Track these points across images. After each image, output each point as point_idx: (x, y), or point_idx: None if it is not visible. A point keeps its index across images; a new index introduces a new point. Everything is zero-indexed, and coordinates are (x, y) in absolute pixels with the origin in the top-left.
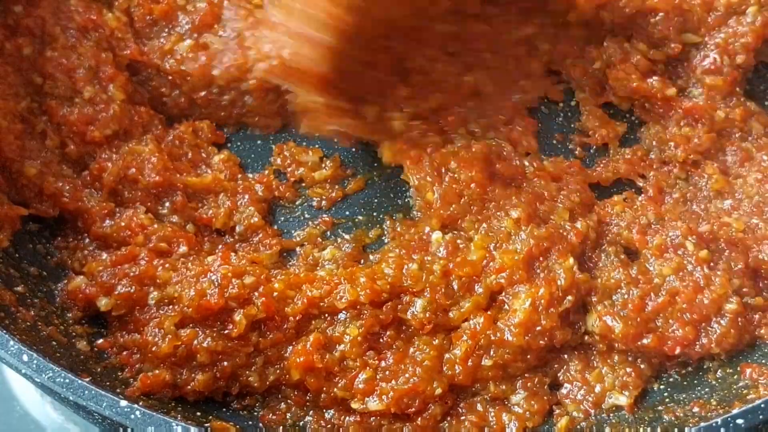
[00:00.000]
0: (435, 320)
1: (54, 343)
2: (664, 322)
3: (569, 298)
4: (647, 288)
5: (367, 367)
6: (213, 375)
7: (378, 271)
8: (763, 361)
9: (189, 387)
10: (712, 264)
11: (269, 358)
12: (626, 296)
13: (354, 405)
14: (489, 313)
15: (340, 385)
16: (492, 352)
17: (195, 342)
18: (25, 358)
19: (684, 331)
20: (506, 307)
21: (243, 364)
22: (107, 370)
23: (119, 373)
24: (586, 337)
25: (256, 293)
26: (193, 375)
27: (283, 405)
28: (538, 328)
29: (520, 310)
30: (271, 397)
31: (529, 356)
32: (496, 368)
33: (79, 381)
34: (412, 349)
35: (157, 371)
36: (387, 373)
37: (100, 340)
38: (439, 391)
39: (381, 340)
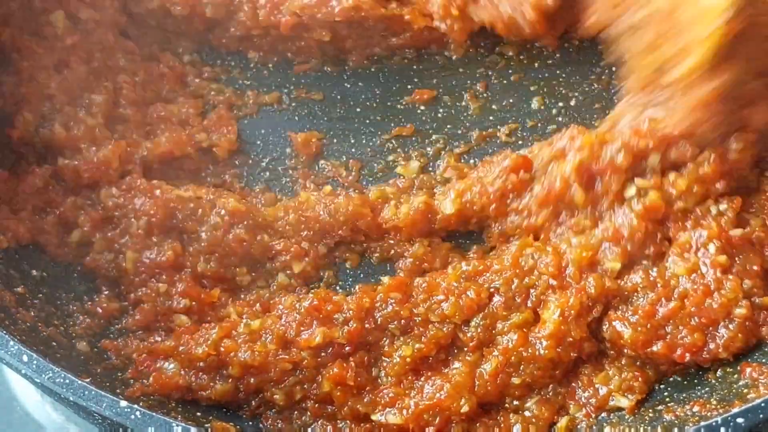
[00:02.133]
0: (481, 337)
1: (54, 343)
2: (674, 329)
3: (598, 307)
4: (660, 292)
5: (401, 385)
6: (235, 387)
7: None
8: (763, 360)
9: (204, 393)
10: (727, 268)
11: (304, 377)
12: (639, 301)
13: (374, 417)
14: (524, 330)
15: (365, 400)
16: (522, 369)
17: (231, 354)
18: (25, 358)
19: (693, 338)
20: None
21: (273, 380)
22: (107, 370)
23: (119, 374)
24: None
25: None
26: (212, 384)
27: (295, 413)
28: (569, 339)
29: (550, 321)
30: (287, 411)
31: (557, 371)
32: (524, 386)
33: (79, 381)
34: (445, 369)
35: (171, 372)
36: (415, 390)
37: (104, 341)
38: (465, 408)
39: (428, 361)
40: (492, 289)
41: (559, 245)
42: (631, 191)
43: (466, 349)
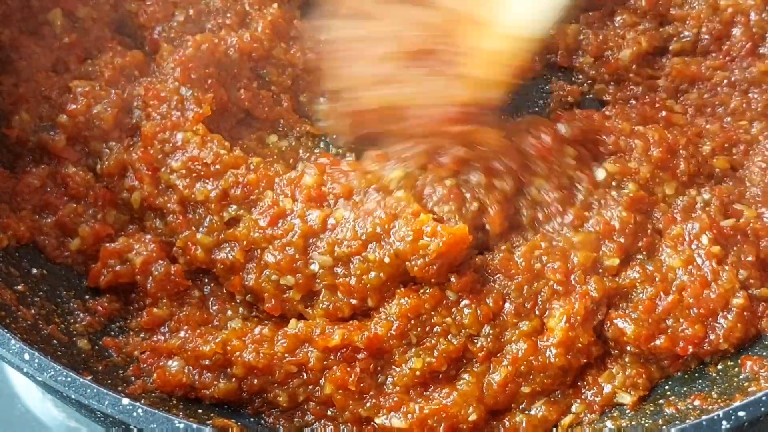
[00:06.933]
0: (490, 347)
1: (55, 341)
2: (675, 322)
3: (602, 309)
4: (659, 286)
5: (408, 394)
6: (238, 387)
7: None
8: (764, 353)
9: (207, 392)
10: (722, 258)
11: (308, 379)
12: (638, 297)
13: (378, 420)
14: (533, 339)
15: (368, 405)
16: (532, 378)
17: (236, 354)
18: (26, 356)
19: (694, 330)
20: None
21: (277, 381)
22: (108, 368)
23: (121, 371)
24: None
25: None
26: (215, 382)
27: (297, 413)
28: (579, 345)
29: (557, 328)
30: (289, 411)
31: (568, 378)
32: (534, 394)
33: (81, 379)
34: (453, 382)
35: (175, 370)
36: (421, 398)
37: (105, 338)
38: (473, 417)
39: (437, 377)
40: (504, 296)
41: (566, 249)
42: (600, 174)
43: (475, 360)
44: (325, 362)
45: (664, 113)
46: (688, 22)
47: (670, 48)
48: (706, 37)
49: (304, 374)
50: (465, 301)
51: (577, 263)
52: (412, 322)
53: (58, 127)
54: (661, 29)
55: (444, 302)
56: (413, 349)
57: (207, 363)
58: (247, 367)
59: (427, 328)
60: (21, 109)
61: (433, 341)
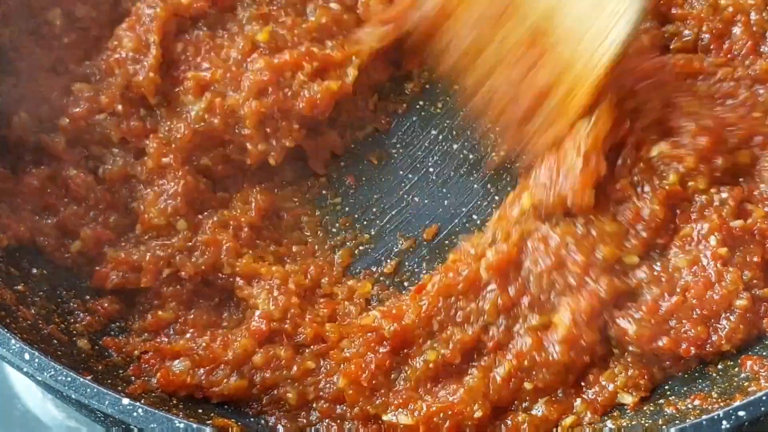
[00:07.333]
0: (501, 338)
1: (55, 341)
2: (678, 323)
3: (608, 309)
4: (663, 287)
5: (418, 390)
6: (250, 382)
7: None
8: (764, 353)
9: (216, 390)
10: (727, 260)
11: (323, 375)
12: (643, 297)
13: (385, 417)
14: (539, 334)
15: (377, 402)
16: (534, 374)
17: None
18: (26, 356)
19: (696, 331)
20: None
21: (292, 377)
22: (108, 368)
23: (121, 371)
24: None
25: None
26: (226, 380)
27: (302, 413)
28: (583, 343)
29: (561, 325)
30: (296, 411)
31: (570, 376)
32: (536, 391)
33: (81, 379)
34: (463, 377)
35: (179, 371)
36: (429, 395)
37: (105, 338)
38: (479, 414)
39: (450, 369)
40: (526, 286)
41: (594, 241)
42: (654, 151)
43: (484, 351)
44: (344, 354)
45: None
46: (688, 21)
47: (671, 47)
48: (707, 36)
49: (321, 369)
50: (492, 286)
51: (602, 257)
52: (441, 303)
53: (59, 129)
54: (662, 28)
55: (475, 284)
56: (428, 342)
57: (228, 358)
58: (270, 357)
59: (452, 313)
60: (20, 110)
61: (449, 332)
